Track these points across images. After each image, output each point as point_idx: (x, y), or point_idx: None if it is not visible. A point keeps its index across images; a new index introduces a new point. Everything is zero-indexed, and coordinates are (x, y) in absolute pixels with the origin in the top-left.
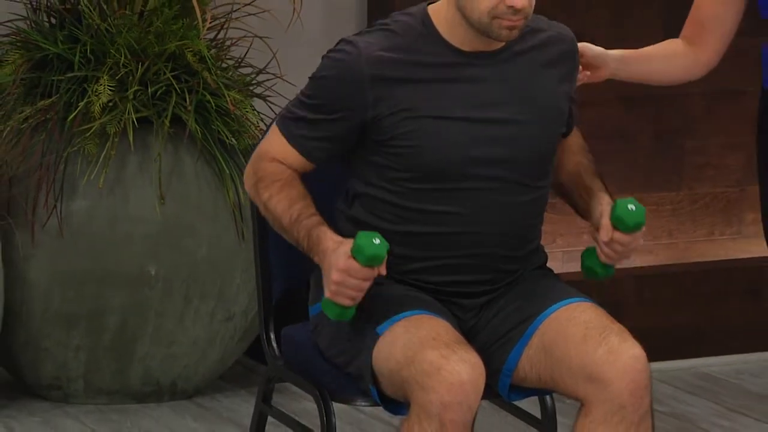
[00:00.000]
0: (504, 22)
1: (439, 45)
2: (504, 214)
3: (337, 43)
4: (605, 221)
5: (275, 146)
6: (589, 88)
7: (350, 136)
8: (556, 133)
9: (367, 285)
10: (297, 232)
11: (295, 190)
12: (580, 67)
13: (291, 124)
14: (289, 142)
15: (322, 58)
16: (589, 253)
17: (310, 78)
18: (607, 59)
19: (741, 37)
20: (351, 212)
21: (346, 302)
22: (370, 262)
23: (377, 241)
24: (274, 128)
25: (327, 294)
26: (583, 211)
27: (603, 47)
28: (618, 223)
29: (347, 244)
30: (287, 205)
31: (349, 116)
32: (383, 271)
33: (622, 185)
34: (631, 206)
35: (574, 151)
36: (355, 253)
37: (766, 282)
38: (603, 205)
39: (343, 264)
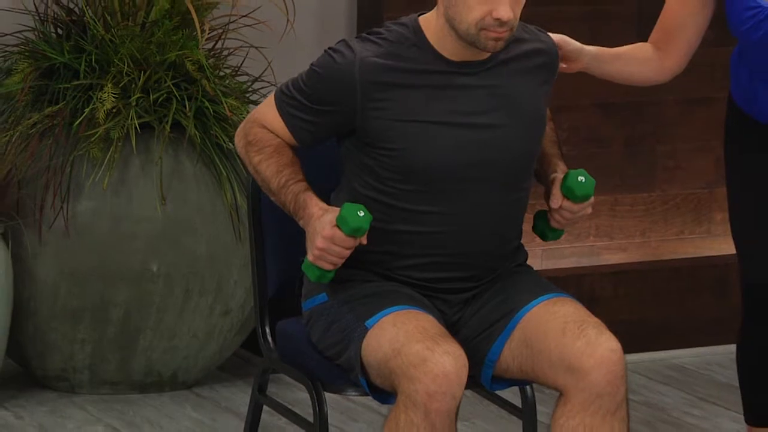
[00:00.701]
0: (491, 34)
1: (429, 54)
2: (488, 214)
3: (338, 42)
4: (556, 190)
5: (269, 116)
6: (567, 95)
7: (336, 129)
8: (537, 138)
9: (348, 253)
10: (284, 196)
11: (285, 157)
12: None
13: (285, 101)
14: (281, 117)
15: (324, 51)
16: (540, 216)
17: (310, 66)
18: (582, 54)
19: (711, 48)
20: None
21: (327, 267)
22: (353, 232)
23: (361, 213)
24: (271, 99)
25: (310, 257)
26: (539, 175)
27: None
28: (568, 193)
29: (333, 212)
30: (276, 170)
31: (337, 113)
32: (364, 241)
33: (598, 187)
34: (581, 178)
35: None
36: (340, 223)
37: (733, 278)
38: (557, 172)
39: (328, 232)
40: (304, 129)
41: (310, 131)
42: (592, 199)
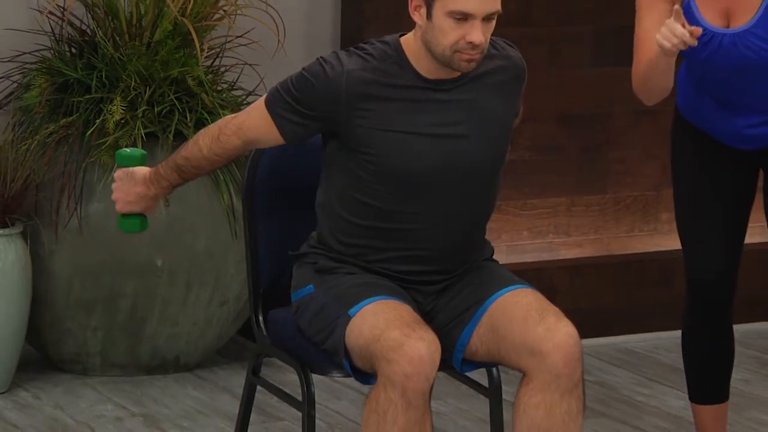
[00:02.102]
0: (464, 56)
1: (408, 71)
2: (457, 214)
3: (330, 54)
4: None
5: (252, 120)
6: (529, 109)
7: (320, 131)
8: (503, 146)
9: (129, 189)
10: (168, 158)
11: (220, 149)
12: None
13: (276, 100)
14: (270, 116)
15: (316, 59)
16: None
17: (302, 70)
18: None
19: None
20: (328, 209)
21: (122, 208)
22: (123, 161)
23: (129, 150)
24: (257, 105)
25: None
26: None
27: (537, 74)
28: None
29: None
30: (181, 151)
31: (322, 119)
32: (144, 172)
33: (556, 190)
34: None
35: None
36: (118, 159)
37: (677, 271)
38: None
39: (116, 175)
40: (291, 129)
41: (296, 131)
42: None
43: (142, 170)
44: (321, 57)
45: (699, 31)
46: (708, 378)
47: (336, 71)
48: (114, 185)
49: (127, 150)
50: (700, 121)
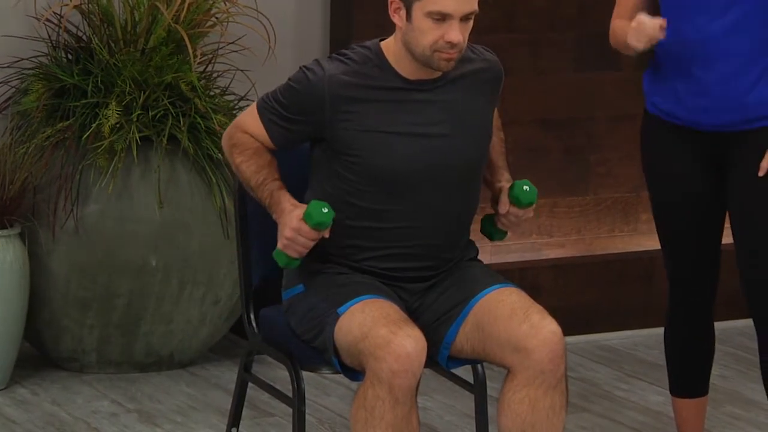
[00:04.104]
0: (443, 55)
1: (389, 73)
2: (441, 211)
3: (312, 62)
4: (504, 197)
5: (250, 123)
6: (511, 112)
7: (308, 135)
8: (484, 145)
9: (311, 244)
10: (262, 192)
11: (263, 158)
12: None
13: (266, 109)
14: (261, 123)
15: (299, 68)
16: (488, 219)
17: (287, 80)
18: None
19: (637, 72)
20: None
21: (294, 254)
22: (317, 226)
23: (325, 210)
24: (253, 108)
25: (279, 246)
26: (487, 182)
27: (520, 79)
28: (514, 200)
29: (301, 208)
30: (255, 169)
31: (308, 123)
32: (327, 234)
33: (539, 192)
34: (526, 187)
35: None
36: (306, 218)
37: (657, 270)
38: (503, 182)
39: (295, 225)
40: (281, 134)
41: (286, 136)
42: (534, 204)
43: (292, 216)
44: (303, 65)
45: (665, 22)
46: (688, 372)
47: (318, 76)
48: (292, 234)
49: (324, 210)
50: (671, 104)
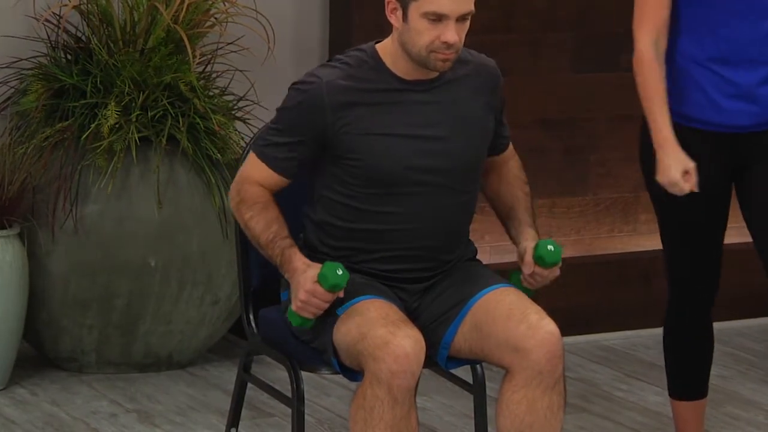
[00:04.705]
0: (439, 56)
1: (385, 74)
2: (439, 213)
3: (303, 76)
4: (528, 258)
5: (255, 170)
6: (511, 113)
7: (314, 152)
8: (481, 147)
9: (327, 306)
10: (272, 250)
11: (272, 213)
12: None
13: (265, 149)
14: (266, 165)
15: (289, 89)
16: (515, 276)
17: (278, 109)
18: None
19: None
20: (315, 215)
21: (309, 316)
22: (332, 288)
23: (340, 272)
24: (253, 156)
25: (293, 307)
26: (513, 239)
27: (519, 79)
28: (539, 261)
29: (314, 268)
30: (265, 226)
31: (310, 139)
32: (341, 294)
33: (538, 192)
34: (550, 247)
35: (512, 183)
36: (321, 280)
37: (656, 270)
38: (528, 240)
39: (310, 287)
40: (288, 165)
41: (293, 165)
42: (560, 264)
43: (306, 277)
44: (294, 83)
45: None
46: (687, 374)
47: (315, 85)
48: (306, 297)
49: (338, 272)
50: (698, 109)
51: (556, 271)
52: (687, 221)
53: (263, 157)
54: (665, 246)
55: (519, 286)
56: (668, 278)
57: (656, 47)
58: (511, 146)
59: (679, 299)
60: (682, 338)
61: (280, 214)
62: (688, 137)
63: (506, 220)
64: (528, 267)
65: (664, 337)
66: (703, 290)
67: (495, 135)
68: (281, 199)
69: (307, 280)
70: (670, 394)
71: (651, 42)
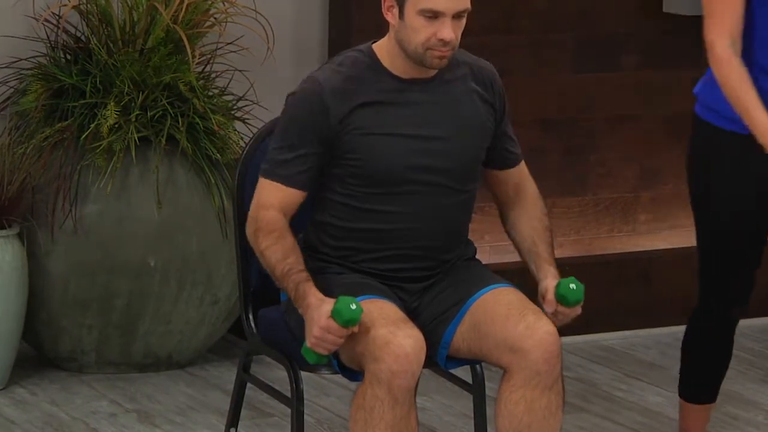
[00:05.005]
0: (435, 53)
1: (382, 74)
2: (438, 212)
3: (300, 83)
4: (550, 296)
5: (269, 195)
6: (512, 111)
7: (324, 157)
8: (480, 147)
9: (341, 341)
10: (287, 283)
11: (288, 243)
12: None
13: (276, 170)
14: (281, 184)
15: (287, 99)
16: None
17: (280, 125)
18: None
19: (637, 71)
20: (315, 215)
21: (323, 352)
22: (346, 324)
23: (354, 306)
24: (263, 181)
25: (308, 343)
26: (533, 273)
27: (519, 80)
28: (561, 300)
29: (328, 303)
30: (281, 257)
31: (320, 142)
32: (356, 329)
33: (538, 191)
34: (572, 285)
35: (530, 215)
36: (335, 315)
37: (656, 270)
38: (548, 279)
39: (324, 323)
40: (302, 177)
41: (306, 176)
42: (582, 302)
43: (320, 313)
44: (290, 93)
45: None
46: (704, 378)
47: (314, 88)
48: (320, 334)
49: (352, 307)
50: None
51: (578, 310)
52: (749, 220)
53: (275, 177)
54: (705, 242)
55: None
56: (708, 276)
57: (734, 48)
58: (525, 170)
59: (713, 298)
60: (705, 340)
61: (296, 243)
62: (750, 141)
63: (526, 254)
64: (550, 306)
65: (685, 338)
66: (741, 290)
67: (500, 148)
68: None
69: (321, 317)
70: (682, 395)
71: (727, 44)
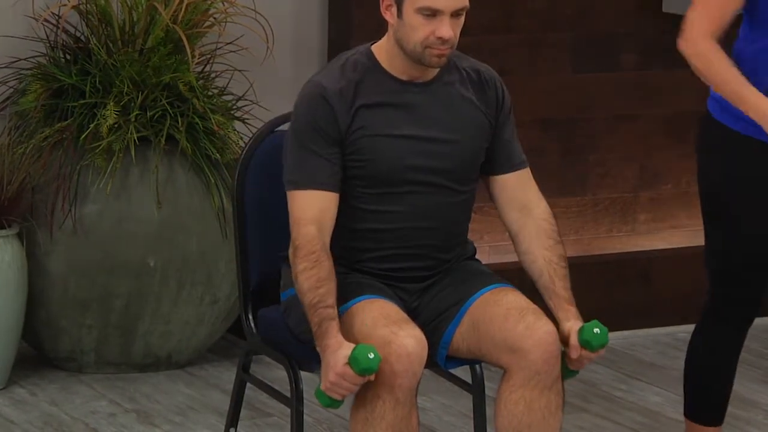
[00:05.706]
0: (434, 51)
1: (382, 75)
2: (438, 212)
3: (303, 88)
4: (573, 341)
5: (302, 206)
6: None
7: (341, 155)
8: (478, 148)
9: (356, 389)
10: (312, 315)
11: (324, 271)
12: None
13: (301, 179)
14: (312, 189)
15: (295, 108)
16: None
17: (293, 135)
18: None
19: (635, 71)
20: None
21: (337, 397)
22: (363, 372)
23: (371, 355)
24: (296, 194)
25: (322, 387)
26: (551, 310)
27: (519, 79)
28: (586, 345)
29: (346, 348)
30: (314, 284)
31: (334, 142)
32: (372, 378)
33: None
34: (596, 330)
35: (542, 243)
36: (351, 362)
37: (655, 270)
38: (570, 321)
39: (340, 369)
40: (334, 180)
41: (338, 176)
42: (606, 344)
43: (337, 357)
44: (296, 103)
45: None
46: (714, 396)
47: (317, 92)
48: (336, 379)
49: (370, 356)
50: None
51: (601, 352)
52: (759, 204)
53: (310, 185)
54: (718, 242)
55: (564, 369)
56: (719, 281)
57: (712, 38)
58: (532, 182)
59: (725, 301)
60: (719, 349)
61: (332, 270)
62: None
63: (542, 290)
64: (575, 351)
65: (693, 353)
66: (759, 291)
67: (502, 151)
68: (281, 206)
69: (338, 362)
70: (691, 418)
71: (707, 33)
